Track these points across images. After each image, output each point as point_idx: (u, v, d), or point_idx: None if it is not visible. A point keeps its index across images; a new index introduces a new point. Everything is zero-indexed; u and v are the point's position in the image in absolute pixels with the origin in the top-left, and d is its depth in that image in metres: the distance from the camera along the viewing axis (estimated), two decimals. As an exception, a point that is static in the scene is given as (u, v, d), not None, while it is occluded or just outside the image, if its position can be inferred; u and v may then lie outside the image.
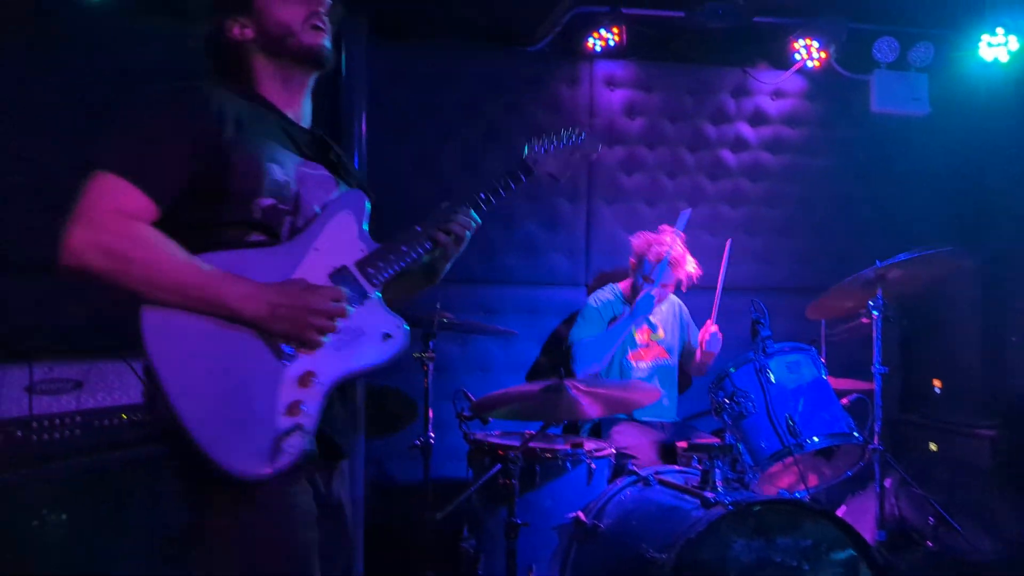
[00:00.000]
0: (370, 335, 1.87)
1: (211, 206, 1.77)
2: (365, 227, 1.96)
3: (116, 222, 1.66)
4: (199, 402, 1.67)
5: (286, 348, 1.78)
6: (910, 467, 4.11)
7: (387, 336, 1.89)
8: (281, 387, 1.75)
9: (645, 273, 4.12)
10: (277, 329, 1.75)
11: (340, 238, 1.90)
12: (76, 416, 2.89)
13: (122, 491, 2.89)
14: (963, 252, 3.83)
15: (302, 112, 2.01)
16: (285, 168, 1.84)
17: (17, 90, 3.92)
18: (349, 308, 1.83)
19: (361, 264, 1.91)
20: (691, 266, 4.20)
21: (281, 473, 1.71)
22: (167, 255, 1.69)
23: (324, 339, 1.81)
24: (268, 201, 1.80)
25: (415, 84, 4.51)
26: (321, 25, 1.93)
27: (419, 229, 1.99)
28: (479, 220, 2.09)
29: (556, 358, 4.43)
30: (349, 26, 3.99)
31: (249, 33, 1.92)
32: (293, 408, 1.75)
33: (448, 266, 2.16)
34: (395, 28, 4.41)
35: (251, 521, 1.72)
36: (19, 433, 2.71)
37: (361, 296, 1.89)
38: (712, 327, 4.13)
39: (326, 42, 1.94)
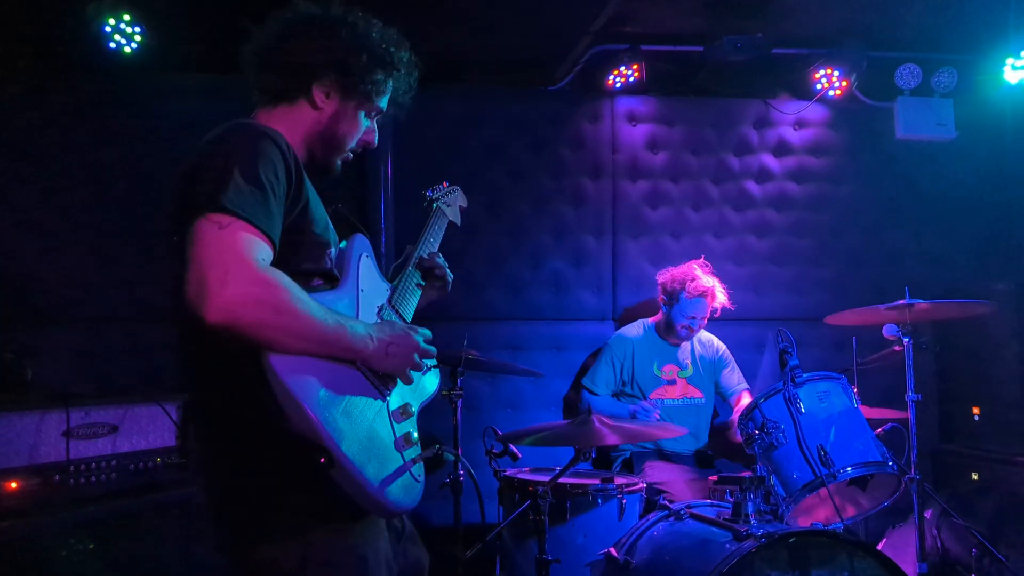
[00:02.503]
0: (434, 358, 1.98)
1: (297, 254, 1.80)
2: (376, 265, 2.10)
3: (263, 273, 1.62)
4: (351, 440, 1.65)
5: (382, 385, 1.84)
6: (952, 498, 4.01)
7: (430, 368, 2.02)
8: (392, 420, 1.83)
9: (684, 311, 4.11)
10: (385, 366, 1.81)
11: (372, 279, 2.02)
12: (112, 460, 2.94)
13: (157, 533, 2.93)
14: (996, 304, 3.76)
15: None
16: (328, 218, 1.95)
17: (57, 144, 4.07)
18: (432, 348, 1.94)
19: (393, 303, 2.05)
20: (722, 296, 4.18)
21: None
22: (307, 303, 1.66)
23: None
24: (333, 251, 1.93)
25: (439, 126, 4.60)
26: (353, 155, 2.07)
27: (412, 269, 2.17)
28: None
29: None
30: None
31: (328, 109, 1.96)
32: (407, 439, 1.83)
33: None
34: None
35: (362, 551, 1.75)
36: (56, 477, 2.77)
37: None
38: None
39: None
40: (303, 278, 1.79)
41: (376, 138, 2.09)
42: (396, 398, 1.87)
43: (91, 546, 2.74)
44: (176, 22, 4.00)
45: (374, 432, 1.75)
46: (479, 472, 3.99)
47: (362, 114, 2.01)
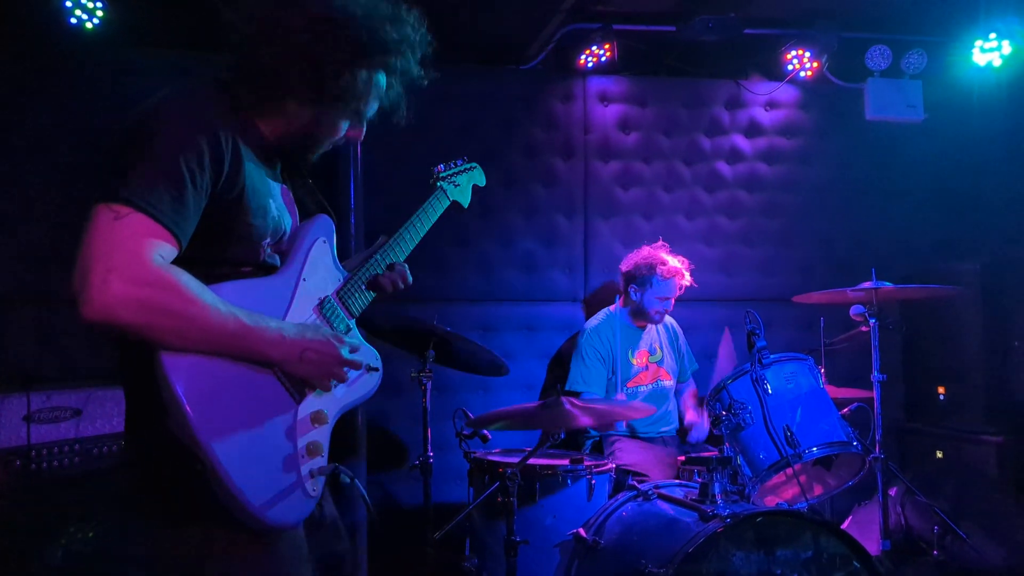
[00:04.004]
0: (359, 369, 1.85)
1: (220, 244, 1.69)
2: (335, 252, 1.96)
3: (155, 273, 1.49)
4: (233, 450, 1.55)
5: (296, 390, 1.73)
6: (917, 476, 4.08)
7: (371, 368, 1.89)
8: (299, 428, 1.71)
9: (658, 293, 4.10)
10: (300, 372, 1.70)
11: (320, 267, 1.88)
12: (75, 444, 2.90)
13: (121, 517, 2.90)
14: (961, 286, 3.83)
15: None
16: (276, 201, 1.81)
17: (16, 123, 3.96)
18: (361, 360, 1.81)
19: (341, 295, 1.90)
20: (687, 276, 4.21)
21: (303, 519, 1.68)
22: (203, 306, 1.53)
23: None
24: (268, 240, 1.78)
25: (408, 105, 4.53)
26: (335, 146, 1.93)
27: (376, 260, 2.02)
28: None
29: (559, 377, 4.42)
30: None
31: (303, 116, 1.80)
32: (313, 449, 1.71)
33: None
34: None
35: (260, 560, 1.66)
36: (17, 463, 2.73)
37: (347, 330, 1.89)
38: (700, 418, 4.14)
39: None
40: (230, 266, 1.71)
41: (363, 132, 1.94)
42: (311, 404, 1.74)
43: (53, 531, 2.70)
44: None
45: (270, 442, 1.64)
46: (450, 454, 4.03)
47: (343, 122, 1.86)
